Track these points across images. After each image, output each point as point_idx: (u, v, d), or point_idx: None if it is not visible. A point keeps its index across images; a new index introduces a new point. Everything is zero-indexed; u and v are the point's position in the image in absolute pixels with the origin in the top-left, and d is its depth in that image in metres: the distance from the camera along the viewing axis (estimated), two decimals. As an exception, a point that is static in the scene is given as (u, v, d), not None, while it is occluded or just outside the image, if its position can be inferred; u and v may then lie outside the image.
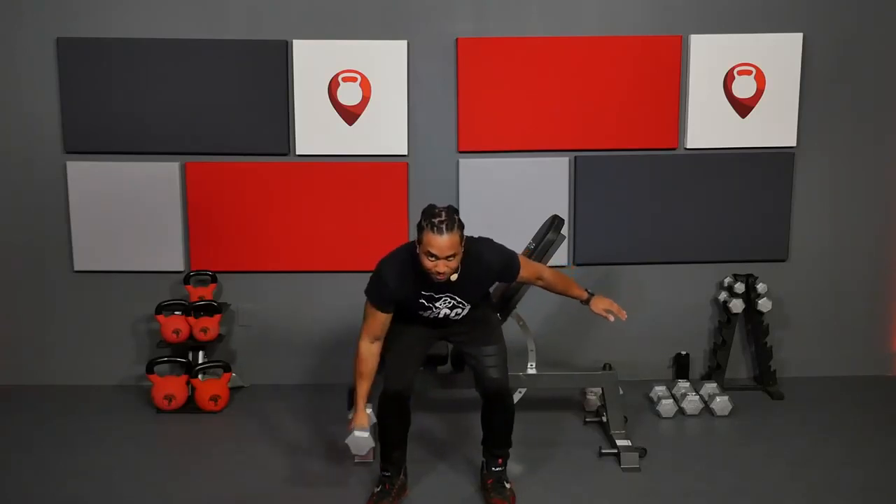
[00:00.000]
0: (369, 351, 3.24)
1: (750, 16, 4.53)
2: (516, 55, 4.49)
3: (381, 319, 3.22)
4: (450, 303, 3.21)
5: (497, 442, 3.43)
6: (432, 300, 3.20)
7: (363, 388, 3.26)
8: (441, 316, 3.25)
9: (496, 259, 3.23)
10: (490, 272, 3.25)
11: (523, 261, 3.36)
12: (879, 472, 3.62)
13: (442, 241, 2.98)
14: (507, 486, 3.41)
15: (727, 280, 4.67)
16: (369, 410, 3.33)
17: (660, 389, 4.43)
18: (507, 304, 3.79)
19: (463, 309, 3.25)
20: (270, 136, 4.54)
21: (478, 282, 3.24)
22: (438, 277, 3.05)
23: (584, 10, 4.52)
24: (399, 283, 3.15)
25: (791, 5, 4.53)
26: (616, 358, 4.39)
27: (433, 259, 3.01)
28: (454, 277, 3.08)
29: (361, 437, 3.25)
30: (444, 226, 2.98)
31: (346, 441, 3.27)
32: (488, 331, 3.39)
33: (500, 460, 3.44)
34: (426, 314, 3.26)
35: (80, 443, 3.95)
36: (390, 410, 3.33)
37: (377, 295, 3.19)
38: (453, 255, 3.02)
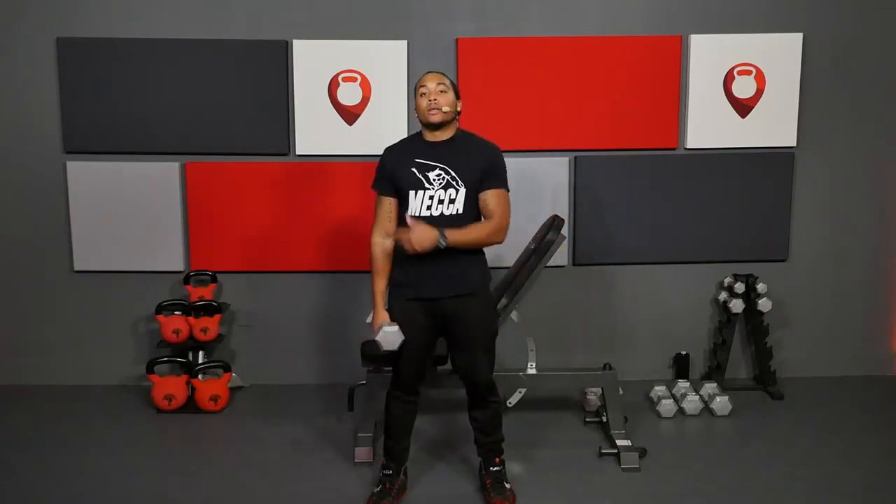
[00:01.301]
0: (381, 247, 3.22)
1: (750, 16, 4.53)
2: (516, 55, 4.50)
3: (385, 206, 3.22)
4: (443, 179, 3.13)
5: (487, 435, 3.41)
6: (425, 170, 3.13)
7: (379, 286, 3.23)
8: (435, 205, 3.12)
9: (488, 143, 3.28)
10: (482, 152, 3.21)
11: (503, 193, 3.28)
12: (879, 472, 3.62)
13: (430, 75, 3.20)
14: (507, 486, 3.40)
15: (727, 280, 4.67)
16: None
17: (660, 389, 4.43)
18: (513, 294, 3.77)
19: (457, 192, 3.13)
20: (270, 136, 4.54)
21: (470, 157, 3.17)
22: (433, 113, 3.11)
23: (584, 11, 4.52)
24: (394, 154, 3.23)
25: (791, 5, 4.54)
26: (616, 358, 4.39)
27: (425, 92, 3.14)
28: (447, 109, 3.13)
29: (391, 330, 3.16)
30: (432, 70, 3.27)
31: (376, 338, 3.18)
32: (484, 339, 3.30)
33: (497, 459, 3.44)
34: (420, 200, 3.12)
35: (80, 443, 3.95)
36: (398, 400, 3.34)
37: (377, 177, 3.25)
38: (444, 88, 3.15)
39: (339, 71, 4.50)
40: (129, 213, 4.56)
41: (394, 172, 3.17)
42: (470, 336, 3.26)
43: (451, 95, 3.17)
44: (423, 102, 3.14)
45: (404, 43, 4.48)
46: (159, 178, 4.55)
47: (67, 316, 4.66)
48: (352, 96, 4.51)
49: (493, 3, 4.50)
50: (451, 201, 3.14)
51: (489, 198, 3.20)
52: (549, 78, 4.52)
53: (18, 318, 4.66)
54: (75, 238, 4.58)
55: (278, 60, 4.48)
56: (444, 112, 3.14)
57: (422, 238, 3.02)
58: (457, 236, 3.08)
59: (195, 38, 4.45)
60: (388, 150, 3.28)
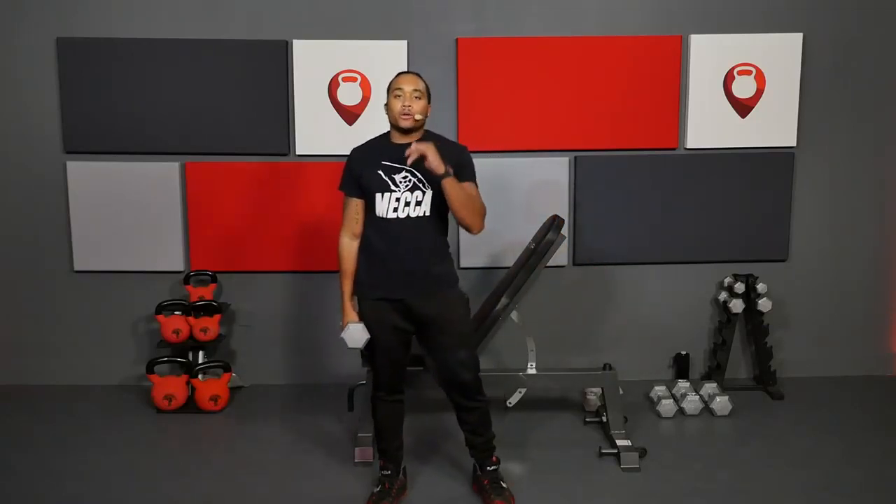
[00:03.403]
0: (349, 248, 3.27)
1: (750, 16, 4.53)
2: (516, 55, 4.50)
3: (352, 208, 3.25)
4: (410, 181, 3.15)
5: (479, 435, 3.39)
6: (392, 172, 3.14)
7: (348, 288, 3.29)
8: (401, 207, 3.13)
9: (456, 144, 3.34)
10: (448, 153, 3.14)
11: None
12: (879, 472, 3.62)
13: (406, 77, 3.20)
14: (505, 486, 3.40)
15: (727, 280, 4.67)
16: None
17: (660, 389, 4.43)
18: (513, 294, 3.76)
19: (424, 193, 3.13)
20: (270, 136, 4.54)
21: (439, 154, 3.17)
22: (405, 118, 3.13)
23: (583, 10, 4.52)
24: (361, 156, 3.25)
25: (791, 5, 4.54)
26: (616, 358, 4.39)
27: (399, 95, 3.14)
28: (419, 117, 3.14)
29: (355, 328, 3.23)
30: (408, 71, 3.32)
31: (342, 335, 3.26)
32: (461, 337, 3.26)
33: (493, 458, 3.43)
34: (387, 203, 3.13)
35: (80, 443, 3.95)
36: (382, 401, 3.35)
37: (344, 178, 3.28)
38: (419, 94, 3.15)
39: (339, 71, 4.50)
40: (129, 213, 4.56)
41: (361, 174, 3.19)
42: (448, 333, 3.23)
43: (424, 102, 3.18)
44: (398, 105, 3.14)
45: (404, 43, 4.48)
46: (159, 178, 4.55)
47: (67, 316, 4.66)
48: (352, 96, 4.51)
49: (493, 3, 4.50)
50: (418, 203, 3.16)
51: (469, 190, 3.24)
52: (549, 78, 4.52)
53: (18, 318, 4.66)
54: (75, 238, 4.58)
55: (278, 60, 4.48)
56: (416, 120, 3.15)
57: (431, 153, 3.00)
58: (457, 185, 3.06)
59: (195, 38, 4.45)
60: (355, 150, 3.29)
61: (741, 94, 4.57)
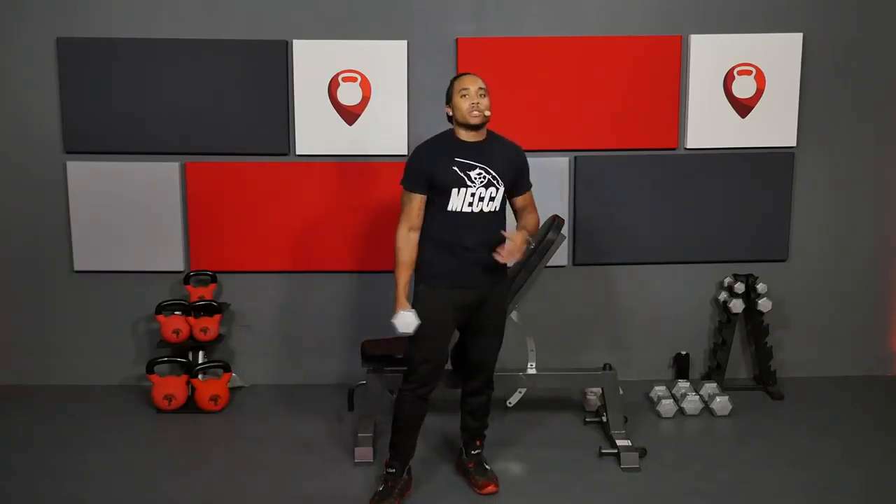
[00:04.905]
0: (408, 240, 3.28)
1: (750, 16, 4.53)
2: (516, 55, 4.50)
3: (417, 203, 3.28)
4: (484, 178, 3.24)
5: (477, 420, 3.54)
6: (466, 169, 3.23)
7: (404, 278, 3.28)
8: (476, 202, 3.24)
9: (515, 144, 3.42)
10: (514, 154, 3.37)
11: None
12: (879, 472, 3.62)
13: (469, 77, 3.29)
14: (488, 467, 3.52)
15: (727, 280, 4.67)
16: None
17: (660, 389, 4.43)
18: (513, 294, 3.78)
19: (497, 190, 3.26)
20: (270, 136, 4.54)
21: (505, 158, 3.31)
22: (476, 116, 3.21)
23: (583, 10, 4.52)
24: (431, 153, 3.29)
25: (791, 5, 4.54)
26: (616, 358, 4.39)
27: (466, 94, 3.22)
28: (488, 113, 3.24)
29: (408, 314, 3.23)
30: (466, 73, 3.38)
31: (394, 321, 3.23)
32: (501, 325, 3.48)
33: (479, 442, 3.54)
34: (462, 197, 3.23)
35: (80, 443, 3.95)
36: (414, 396, 3.34)
37: (411, 174, 3.30)
38: (483, 91, 3.24)
39: (339, 71, 4.50)
40: (129, 213, 4.56)
41: (434, 171, 3.24)
42: (496, 318, 3.42)
43: (488, 100, 3.26)
44: (465, 104, 3.22)
45: (404, 43, 4.48)
46: (159, 178, 4.55)
47: (67, 316, 4.66)
48: (352, 96, 4.51)
49: (493, 3, 4.50)
50: (492, 199, 3.27)
51: (528, 198, 3.42)
52: (549, 78, 4.51)
53: (18, 318, 4.66)
54: (75, 238, 4.58)
55: (278, 60, 4.47)
56: (486, 116, 3.25)
57: (520, 250, 3.24)
58: (529, 236, 3.34)
59: (195, 38, 4.45)
60: (422, 148, 3.34)
61: (741, 94, 4.57)
